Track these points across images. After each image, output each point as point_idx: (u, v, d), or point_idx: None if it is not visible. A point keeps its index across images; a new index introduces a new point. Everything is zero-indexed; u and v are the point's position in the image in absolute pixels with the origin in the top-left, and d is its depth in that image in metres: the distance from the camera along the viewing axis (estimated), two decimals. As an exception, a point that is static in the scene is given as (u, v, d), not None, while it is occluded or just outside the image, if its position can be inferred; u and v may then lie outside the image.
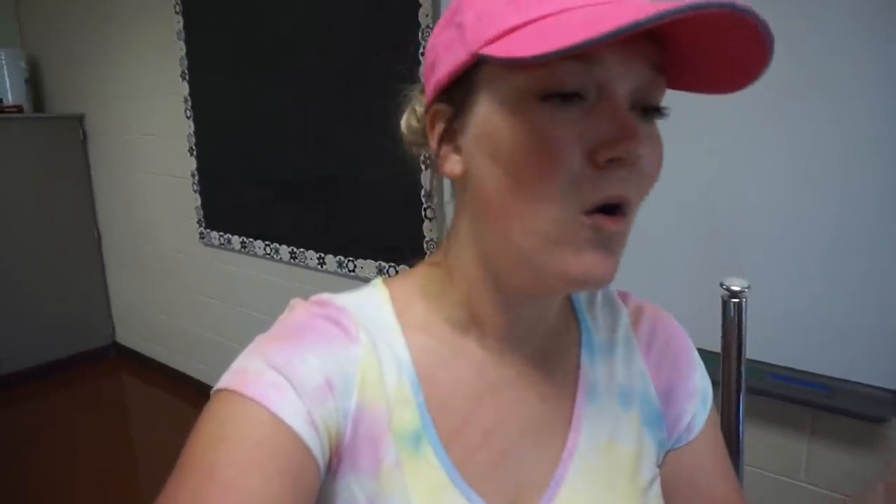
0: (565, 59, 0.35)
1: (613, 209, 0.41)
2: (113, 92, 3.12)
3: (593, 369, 0.55)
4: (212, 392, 0.45)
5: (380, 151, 2.02)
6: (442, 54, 0.45)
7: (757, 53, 0.36)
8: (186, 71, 2.65)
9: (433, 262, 0.54)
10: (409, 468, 0.46)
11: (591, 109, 0.39)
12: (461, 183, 0.48)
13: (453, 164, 0.47)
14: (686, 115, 1.28)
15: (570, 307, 0.58)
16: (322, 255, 2.31)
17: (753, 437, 1.39)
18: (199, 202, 2.78)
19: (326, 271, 2.31)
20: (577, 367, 0.55)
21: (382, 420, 0.46)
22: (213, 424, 0.42)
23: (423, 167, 1.91)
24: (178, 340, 3.22)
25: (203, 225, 2.80)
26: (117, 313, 3.62)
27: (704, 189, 1.33)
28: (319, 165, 2.23)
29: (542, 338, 0.53)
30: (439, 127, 0.47)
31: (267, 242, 2.51)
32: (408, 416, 0.47)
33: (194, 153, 2.73)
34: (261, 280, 2.62)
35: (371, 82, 2.00)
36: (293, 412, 0.42)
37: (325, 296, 0.52)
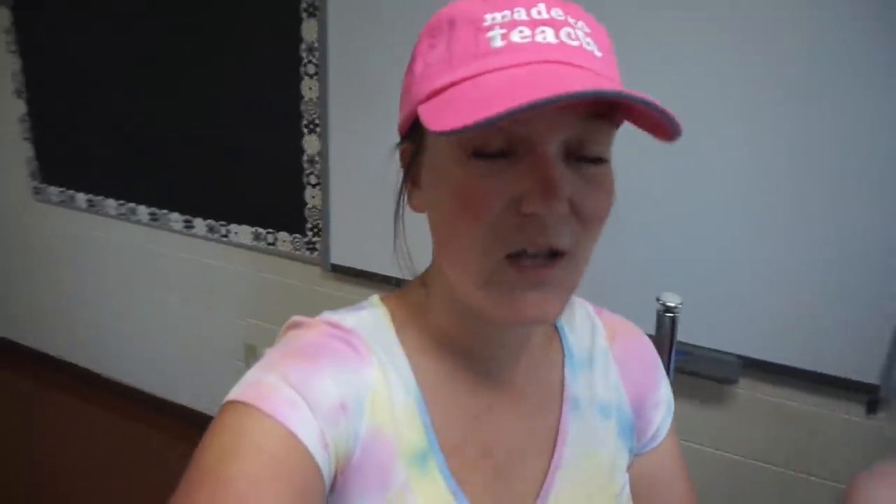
0: (488, 128, 0.36)
1: (548, 254, 0.42)
2: None
3: (575, 383, 0.57)
4: (224, 401, 0.44)
5: (258, 111, 1.87)
6: (402, 98, 0.48)
7: (660, 120, 0.38)
8: (7, -6, 2.24)
9: (422, 283, 0.55)
10: (417, 487, 0.47)
11: (518, 161, 0.40)
12: (428, 219, 0.49)
13: (417, 199, 0.50)
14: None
15: (553, 325, 0.60)
16: (189, 217, 2.13)
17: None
18: (32, 152, 2.41)
19: (194, 235, 2.14)
20: (562, 381, 0.57)
21: (391, 443, 0.47)
22: (227, 437, 0.41)
23: (305, 132, 1.80)
24: (17, 310, 2.84)
25: (38, 179, 2.45)
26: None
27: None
28: (188, 121, 2.02)
29: (528, 357, 0.55)
30: (405, 163, 0.50)
31: (121, 202, 2.26)
32: (415, 436, 0.49)
33: (23, 95, 2.34)
34: (115, 242, 2.37)
35: (252, 37, 1.82)
36: (308, 431, 0.42)
37: (334, 316, 0.52)
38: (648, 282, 1.37)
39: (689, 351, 1.41)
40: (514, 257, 0.42)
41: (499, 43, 0.40)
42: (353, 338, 0.50)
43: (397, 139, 0.51)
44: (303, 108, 1.79)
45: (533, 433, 0.54)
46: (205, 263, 2.18)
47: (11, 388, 2.68)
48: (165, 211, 2.17)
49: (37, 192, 2.47)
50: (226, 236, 2.07)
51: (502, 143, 0.40)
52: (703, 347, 1.40)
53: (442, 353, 0.52)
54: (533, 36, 0.40)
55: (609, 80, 0.39)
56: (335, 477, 0.45)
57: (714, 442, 1.49)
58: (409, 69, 0.47)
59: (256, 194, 1.97)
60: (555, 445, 0.55)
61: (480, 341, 0.52)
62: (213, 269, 2.16)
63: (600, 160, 0.43)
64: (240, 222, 2.03)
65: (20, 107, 2.37)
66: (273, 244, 1.99)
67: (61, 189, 2.40)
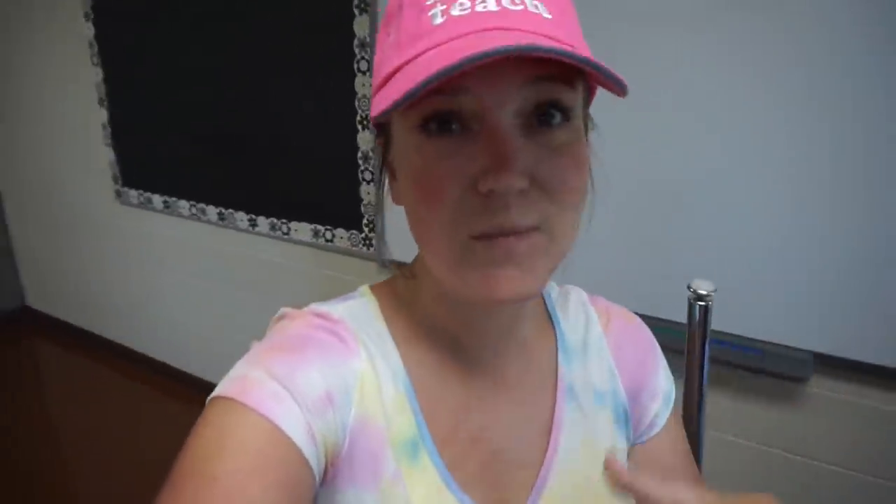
0: (430, 94, 0.37)
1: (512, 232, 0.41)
2: (9, 31, 2.79)
3: (570, 370, 0.57)
4: (209, 398, 0.44)
5: (314, 108, 1.92)
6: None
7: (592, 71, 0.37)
8: (91, 10, 2.40)
9: (410, 273, 0.54)
10: (409, 477, 0.47)
11: (473, 138, 0.40)
12: None
13: (395, 191, 0.49)
14: (647, 106, 1.28)
15: (546, 313, 0.59)
16: (253, 216, 2.21)
17: (680, 396, 1.46)
18: (112, 157, 2.57)
19: (258, 233, 2.22)
20: (555, 369, 0.56)
21: (381, 432, 0.47)
22: (212, 432, 0.41)
23: (360, 128, 1.83)
24: (98, 304, 3.03)
25: (119, 182, 2.60)
26: (26, 275, 3.37)
27: (652, 163, 1.35)
28: (250, 123, 2.10)
29: (519, 343, 0.55)
30: (381, 157, 0.50)
31: (192, 202, 2.37)
32: (405, 424, 0.48)
33: (105, 104, 2.50)
34: (186, 242, 2.49)
35: (307, 36, 1.87)
36: (294, 424, 0.42)
37: (322, 307, 0.52)
38: (711, 271, 1.30)
39: (756, 347, 1.33)
40: (477, 237, 0.41)
41: (439, 20, 0.39)
42: (340, 328, 0.49)
43: None
44: (357, 104, 1.82)
45: (527, 420, 0.54)
46: (267, 260, 2.25)
47: (94, 378, 2.87)
48: (232, 210, 2.26)
49: (118, 194, 2.63)
50: (287, 234, 2.13)
51: (445, 112, 0.39)
52: (771, 343, 1.32)
53: (431, 342, 0.52)
54: (473, 6, 0.39)
55: (549, 40, 0.37)
56: (326, 469, 0.45)
57: (786, 444, 1.39)
58: (374, 60, 0.47)
59: (314, 192, 2.02)
60: (550, 433, 0.54)
61: (467, 327, 0.51)
62: (274, 266, 2.23)
63: (562, 118, 0.41)
64: (300, 220, 2.09)
65: (102, 115, 2.53)
66: (331, 241, 2.03)
67: (140, 191, 2.54)
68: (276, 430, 0.41)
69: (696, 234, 1.34)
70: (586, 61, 0.35)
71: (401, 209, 0.48)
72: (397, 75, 0.40)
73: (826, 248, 1.22)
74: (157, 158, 2.43)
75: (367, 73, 1.76)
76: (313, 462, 0.43)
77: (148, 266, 2.71)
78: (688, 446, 0.62)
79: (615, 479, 0.42)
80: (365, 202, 1.90)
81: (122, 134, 2.51)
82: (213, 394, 0.44)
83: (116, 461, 2.21)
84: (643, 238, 1.39)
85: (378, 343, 0.50)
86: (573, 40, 0.41)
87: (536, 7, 0.40)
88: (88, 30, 2.43)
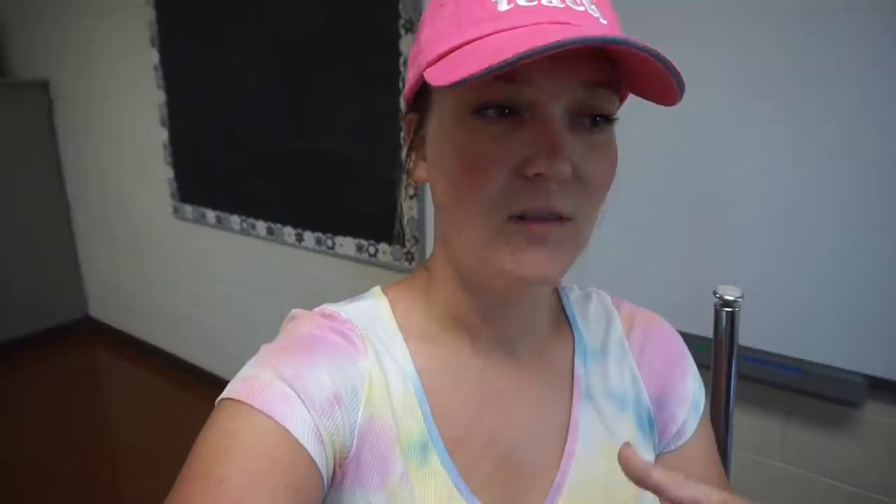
0: (492, 79, 0.38)
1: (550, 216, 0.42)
2: (80, 58, 2.99)
3: (586, 373, 0.56)
4: (217, 400, 0.45)
5: (360, 125, 1.97)
6: (409, 68, 0.49)
7: (665, 77, 0.38)
8: (156, 37, 2.55)
9: (424, 267, 0.54)
10: (417, 479, 0.47)
11: (522, 125, 0.41)
12: (430, 189, 0.50)
13: (421, 171, 0.50)
14: (683, 112, 1.27)
15: (563, 315, 0.59)
16: (300, 231, 2.27)
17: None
18: (171, 175, 2.70)
19: (304, 248, 2.27)
20: (571, 370, 0.55)
21: (389, 433, 0.47)
22: (220, 434, 0.41)
23: (403, 143, 1.87)
24: (153, 315, 3.16)
25: (177, 198, 2.73)
26: (90, 287, 3.54)
27: (692, 176, 1.32)
28: (297, 138, 2.17)
29: (535, 344, 0.54)
30: (410, 135, 0.51)
31: (243, 217, 2.46)
32: (414, 426, 0.48)
33: (166, 124, 2.64)
34: (237, 255, 2.57)
35: (354, 53, 1.94)
36: (301, 425, 0.42)
37: (330, 308, 0.52)
38: (747, 284, 1.26)
39: (804, 368, 1.27)
40: (517, 217, 0.42)
41: (505, 6, 0.41)
42: (348, 328, 0.50)
43: None
44: (401, 121, 1.85)
45: (542, 423, 0.52)
46: (313, 275, 2.30)
47: (145, 385, 2.97)
48: (280, 224, 2.33)
49: (175, 210, 2.75)
50: (332, 248, 2.18)
51: (504, 100, 0.41)
52: (821, 364, 1.26)
53: (445, 339, 0.52)
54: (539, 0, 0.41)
55: (614, 34, 0.39)
56: (334, 470, 0.45)
57: (835, 473, 1.32)
58: (416, 38, 0.48)
59: (359, 207, 2.06)
60: (566, 436, 0.53)
61: (483, 318, 0.51)
62: (319, 280, 2.28)
63: (604, 122, 0.43)
64: (345, 234, 2.13)
65: (164, 134, 2.66)
66: (374, 255, 2.06)
67: (194, 206, 2.65)
68: (284, 432, 0.41)
69: (732, 244, 1.30)
70: (671, 65, 0.37)
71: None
72: (458, 53, 0.41)
73: (878, 260, 1.16)
74: (211, 175, 2.53)
75: (411, 91, 1.80)
76: (321, 464, 0.43)
77: (200, 279, 2.81)
78: (718, 459, 0.60)
79: (629, 472, 0.38)
80: (407, 217, 1.93)
81: (180, 152, 2.64)
82: (222, 395, 0.44)
83: (162, 465, 2.28)
84: (673, 249, 1.36)
85: (388, 343, 0.50)
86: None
87: (594, 11, 0.42)
88: (154, 56, 2.58)
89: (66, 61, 3.08)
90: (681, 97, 0.40)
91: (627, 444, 0.54)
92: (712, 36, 1.24)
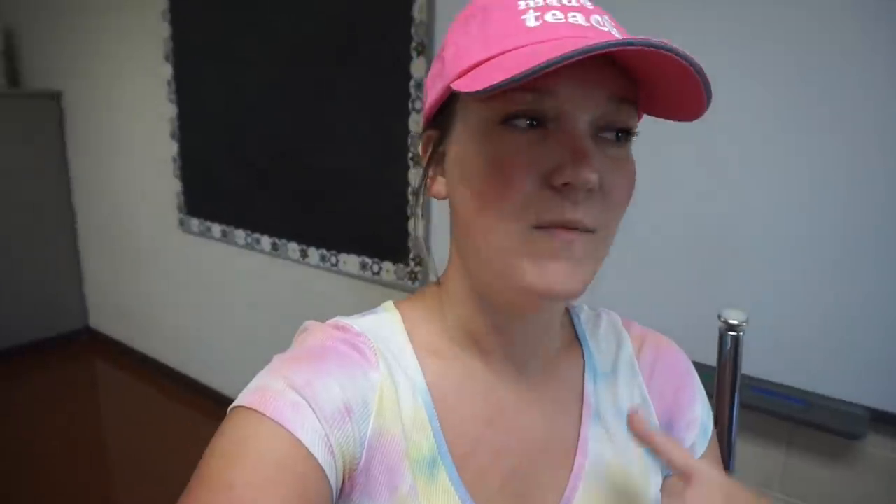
0: (520, 90, 0.39)
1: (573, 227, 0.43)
2: (93, 70, 3.03)
3: (596, 392, 0.56)
4: (229, 409, 0.45)
5: (367, 144, 1.99)
6: (430, 85, 0.50)
7: (694, 86, 0.39)
8: (171, 53, 2.59)
9: (437, 283, 0.55)
10: (425, 494, 0.47)
11: (549, 136, 0.42)
12: (450, 204, 0.50)
13: (440, 186, 0.50)
14: (686, 135, 1.28)
15: (574, 334, 0.59)
16: (304, 247, 2.28)
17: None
18: (179, 188, 2.72)
19: (308, 264, 2.28)
20: (581, 390, 0.55)
21: (398, 447, 0.47)
22: (231, 442, 0.42)
23: (411, 164, 1.89)
24: (153, 326, 3.16)
25: (183, 211, 2.74)
26: (91, 297, 3.55)
27: (699, 207, 1.34)
28: (304, 155, 2.19)
29: (546, 361, 0.54)
30: (429, 151, 0.51)
31: (248, 232, 2.47)
32: (424, 441, 0.48)
33: (176, 137, 2.67)
34: (241, 270, 2.58)
35: (365, 75, 1.97)
36: (312, 435, 0.42)
37: (344, 320, 0.53)
38: (769, 318, 1.26)
39: (807, 399, 1.27)
40: (540, 228, 0.42)
41: (533, 23, 0.41)
42: (360, 341, 0.50)
43: None
44: (410, 141, 1.88)
45: (551, 440, 0.52)
46: (316, 291, 2.30)
47: (143, 398, 2.96)
48: (285, 240, 2.34)
49: (181, 223, 2.77)
50: (335, 265, 2.19)
51: (529, 110, 0.41)
52: (824, 396, 1.26)
53: (456, 353, 0.52)
54: (566, 17, 0.42)
55: None
56: (344, 482, 0.45)
57: (837, 505, 1.31)
58: (440, 56, 0.48)
59: (363, 225, 2.08)
60: (576, 454, 0.53)
61: (495, 333, 0.51)
62: (322, 297, 2.28)
63: (626, 137, 0.44)
64: (349, 252, 2.14)
65: (173, 147, 2.69)
66: (378, 273, 2.07)
67: (201, 220, 2.67)
68: (294, 440, 0.41)
69: (736, 273, 1.31)
70: (704, 76, 0.37)
71: (447, 244, 0.50)
72: (487, 65, 0.41)
73: (882, 293, 1.17)
74: (219, 189, 2.56)
75: (421, 113, 1.83)
76: (330, 474, 0.43)
77: (203, 292, 2.81)
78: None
79: (635, 429, 0.46)
80: (412, 236, 1.94)
81: (189, 165, 2.66)
82: (233, 404, 0.45)
83: (158, 477, 2.26)
84: (677, 278, 1.37)
85: (399, 357, 0.50)
86: None
87: (616, 33, 0.42)
88: (167, 71, 2.62)
89: (78, 72, 3.12)
90: (708, 105, 0.40)
91: (635, 409, 0.54)
92: (715, 56, 1.26)
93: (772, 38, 1.21)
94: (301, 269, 2.33)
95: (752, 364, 1.29)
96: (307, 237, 2.26)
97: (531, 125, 0.42)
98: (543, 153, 0.41)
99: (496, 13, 0.44)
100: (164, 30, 2.57)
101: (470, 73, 0.42)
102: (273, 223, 2.37)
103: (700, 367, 0.60)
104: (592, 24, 0.41)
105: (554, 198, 0.41)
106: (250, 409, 0.43)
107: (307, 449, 0.41)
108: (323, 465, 0.42)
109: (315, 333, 0.51)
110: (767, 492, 1.38)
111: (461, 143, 0.46)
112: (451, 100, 0.47)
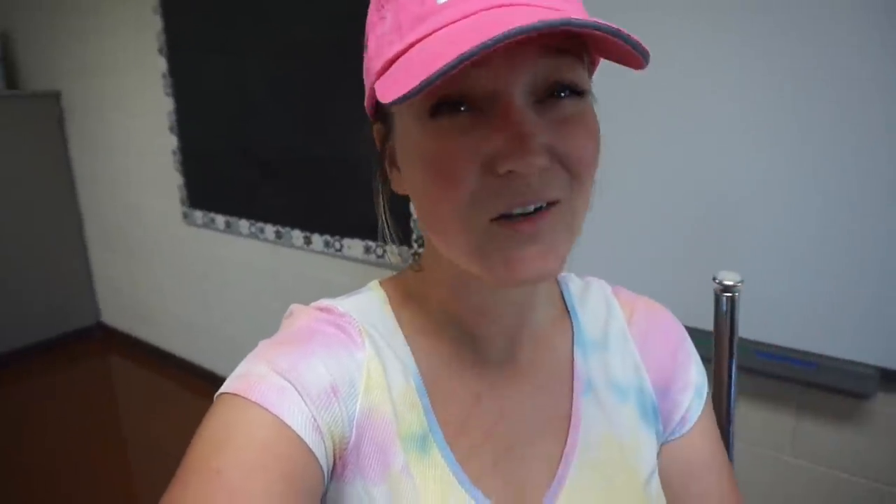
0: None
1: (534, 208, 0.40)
2: (90, 68, 3.03)
3: (586, 363, 0.55)
4: (216, 396, 0.45)
5: (368, 130, 1.98)
6: (365, 80, 0.47)
7: (625, 45, 0.35)
8: (164, 46, 2.58)
9: (418, 265, 0.54)
10: (418, 471, 0.46)
11: (482, 119, 0.38)
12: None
13: (399, 182, 0.48)
14: (681, 106, 1.27)
15: (563, 304, 0.58)
16: (308, 234, 2.28)
17: (740, 413, 1.40)
18: (181, 181, 2.73)
19: (312, 250, 2.29)
20: (571, 361, 0.55)
21: (389, 425, 0.47)
22: (217, 428, 0.42)
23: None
24: (165, 320, 3.19)
25: (187, 204, 2.75)
26: (102, 294, 3.58)
27: (696, 173, 1.32)
28: (305, 143, 2.19)
29: (535, 335, 0.53)
30: (379, 144, 0.49)
31: (251, 221, 2.48)
32: (414, 419, 0.48)
33: (175, 131, 2.67)
34: (246, 259, 2.59)
35: (361, 59, 1.95)
36: (298, 417, 0.42)
37: (328, 301, 0.52)
38: (758, 279, 1.25)
39: (816, 361, 1.26)
40: (501, 217, 0.40)
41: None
42: (344, 321, 0.49)
43: None
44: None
45: (543, 413, 0.52)
46: (321, 277, 2.31)
47: (158, 389, 3.00)
48: (288, 228, 2.34)
49: (185, 216, 2.78)
50: (340, 250, 2.19)
51: (460, 97, 0.38)
52: (832, 357, 1.25)
53: (442, 333, 0.51)
54: None
55: (559, 13, 0.36)
56: (335, 462, 0.45)
57: (846, 466, 1.31)
58: (365, 46, 0.46)
59: (366, 209, 2.07)
60: (568, 427, 0.52)
61: (479, 314, 0.50)
62: (328, 283, 2.29)
63: (575, 93, 0.40)
64: (352, 236, 2.15)
65: (173, 141, 2.69)
66: (382, 256, 2.07)
67: (204, 212, 2.68)
68: (281, 424, 0.41)
69: (739, 237, 1.29)
70: (617, 33, 0.34)
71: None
72: (401, 60, 0.39)
73: (887, 251, 1.16)
74: (220, 180, 2.56)
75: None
76: (320, 454, 0.42)
77: (210, 283, 2.83)
78: (722, 447, 0.59)
79: None
80: (414, 217, 1.94)
81: (190, 158, 2.67)
82: (219, 391, 0.45)
83: (175, 469, 2.29)
84: (675, 243, 1.36)
85: (386, 336, 0.50)
86: (580, 13, 0.40)
87: None
88: (162, 64, 2.61)
89: (76, 72, 3.12)
90: (646, 63, 0.37)
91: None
92: (712, 30, 1.24)
93: (772, 11, 1.19)
94: (306, 255, 2.33)
95: (760, 329, 1.29)
96: (310, 224, 2.26)
97: (462, 110, 0.38)
98: (480, 140, 0.38)
99: None
100: (157, 23, 2.56)
101: (389, 71, 0.40)
102: (276, 212, 2.37)
103: (698, 333, 0.60)
104: None
105: (502, 186, 0.38)
106: (235, 395, 0.43)
107: (294, 431, 0.41)
108: (311, 446, 0.42)
109: (300, 316, 0.51)
110: (779, 455, 1.38)
111: (401, 141, 0.44)
112: None
